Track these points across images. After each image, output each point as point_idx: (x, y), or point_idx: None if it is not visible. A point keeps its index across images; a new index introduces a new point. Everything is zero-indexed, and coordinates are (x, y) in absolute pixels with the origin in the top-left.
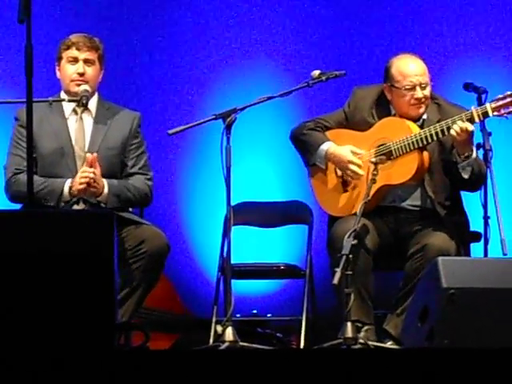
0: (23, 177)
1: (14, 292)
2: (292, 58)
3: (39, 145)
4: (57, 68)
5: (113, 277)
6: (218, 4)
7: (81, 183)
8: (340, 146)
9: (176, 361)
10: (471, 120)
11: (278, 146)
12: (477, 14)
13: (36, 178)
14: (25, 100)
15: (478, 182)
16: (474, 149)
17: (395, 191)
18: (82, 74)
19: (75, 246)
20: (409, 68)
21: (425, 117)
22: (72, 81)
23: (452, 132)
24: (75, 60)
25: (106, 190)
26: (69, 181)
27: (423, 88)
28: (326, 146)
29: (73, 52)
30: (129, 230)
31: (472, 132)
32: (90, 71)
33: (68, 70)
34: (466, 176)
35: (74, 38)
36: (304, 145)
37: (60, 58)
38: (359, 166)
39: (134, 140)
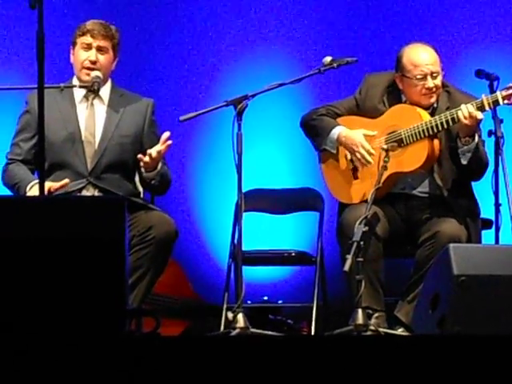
0: (13, 167)
1: (25, 277)
2: (303, 44)
3: (46, 131)
4: (71, 52)
5: (124, 263)
6: None
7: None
8: (352, 130)
9: (187, 347)
10: (481, 108)
11: (290, 132)
12: (489, 1)
13: (15, 171)
14: (36, 86)
15: (477, 170)
16: (477, 136)
17: (405, 179)
18: (93, 62)
19: (86, 232)
20: (420, 57)
21: (435, 105)
22: (83, 68)
23: (460, 114)
24: (89, 47)
25: (159, 167)
26: (32, 183)
27: (434, 77)
28: (338, 130)
29: (87, 39)
30: (138, 216)
31: (480, 120)
32: (102, 59)
33: (80, 56)
34: (464, 162)
35: (89, 24)
36: (315, 129)
37: (75, 44)
38: (370, 154)
39: (151, 128)
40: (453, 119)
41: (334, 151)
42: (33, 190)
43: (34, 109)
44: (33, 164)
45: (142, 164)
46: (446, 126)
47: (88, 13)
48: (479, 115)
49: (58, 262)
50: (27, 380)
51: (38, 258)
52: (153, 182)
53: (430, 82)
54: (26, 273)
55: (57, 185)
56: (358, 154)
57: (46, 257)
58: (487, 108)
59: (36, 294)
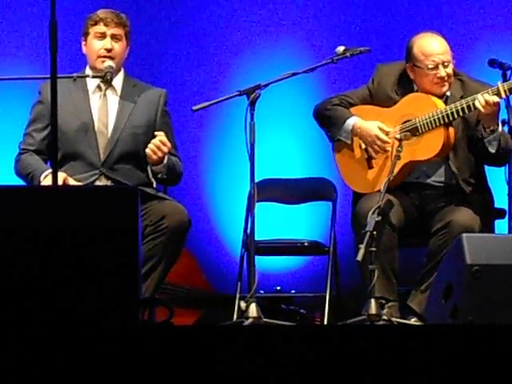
0: (25, 157)
1: (38, 267)
2: (316, 33)
3: (60, 121)
4: (83, 43)
5: (137, 252)
6: None
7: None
8: (367, 121)
9: (200, 337)
10: (498, 95)
11: (303, 122)
12: None
13: (28, 161)
14: (49, 76)
15: (504, 155)
16: (500, 123)
17: (420, 167)
18: (109, 50)
19: (99, 222)
20: (431, 47)
21: (448, 93)
22: (99, 57)
23: (477, 104)
24: (103, 35)
25: (165, 161)
26: (46, 172)
27: (446, 66)
28: (353, 121)
29: (100, 27)
30: (150, 206)
31: (498, 104)
32: (117, 47)
33: (95, 46)
34: (492, 150)
35: (101, 13)
36: (329, 119)
37: (87, 34)
38: (385, 142)
39: (163, 119)
40: (468, 107)
41: (349, 141)
42: (47, 180)
43: (47, 99)
44: (46, 154)
45: (148, 159)
46: (461, 114)
47: (100, 3)
48: (495, 98)
49: (71, 252)
50: (39, 370)
51: (51, 247)
52: (159, 175)
53: (441, 71)
54: (39, 262)
55: (72, 182)
56: (375, 147)
57: (60, 246)
58: (503, 95)
59: (49, 284)
